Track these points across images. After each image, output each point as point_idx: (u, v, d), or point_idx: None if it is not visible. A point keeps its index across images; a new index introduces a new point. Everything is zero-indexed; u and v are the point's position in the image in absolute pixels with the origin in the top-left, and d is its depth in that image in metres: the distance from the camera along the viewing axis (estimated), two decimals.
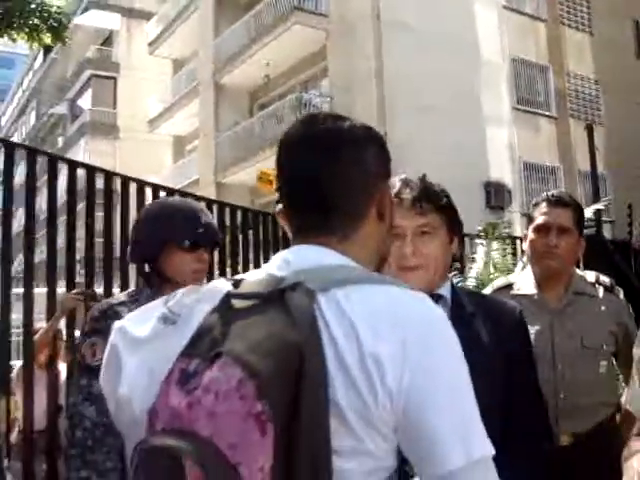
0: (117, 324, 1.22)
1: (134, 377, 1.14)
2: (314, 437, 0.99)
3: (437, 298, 2.03)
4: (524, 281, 2.93)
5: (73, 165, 4.72)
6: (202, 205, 2.67)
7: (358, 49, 17.46)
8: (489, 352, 1.95)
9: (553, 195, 2.86)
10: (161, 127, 26.08)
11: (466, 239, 6.78)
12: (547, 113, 20.04)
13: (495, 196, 17.57)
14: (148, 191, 5.03)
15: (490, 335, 2.00)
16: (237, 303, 1.11)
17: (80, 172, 4.67)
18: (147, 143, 27.25)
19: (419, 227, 2.00)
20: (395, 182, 2.03)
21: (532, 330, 2.67)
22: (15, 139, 41.54)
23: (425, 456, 1.07)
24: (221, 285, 1.19)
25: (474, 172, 16.99)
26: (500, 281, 3.10)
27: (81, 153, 28.97)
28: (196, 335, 1.07)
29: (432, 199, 2.04)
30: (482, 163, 17.70)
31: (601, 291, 2.88)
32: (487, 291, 2.99)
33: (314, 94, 18.77)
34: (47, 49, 33.16)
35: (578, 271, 2.98)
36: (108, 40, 32.60)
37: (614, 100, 19.88)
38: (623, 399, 1.99)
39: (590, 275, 2.96)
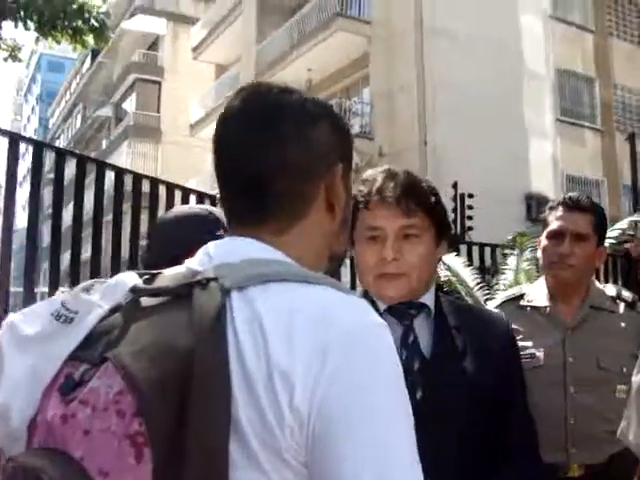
0: (8, 319, 1.03)
1: (16, 382, 0.95)
2: (206, 468, 0.83)
3: (419, 308, 1.84)
4: (536, 292, 2.66)
5: (101, 166, 4.62)
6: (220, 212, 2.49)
7: (400, 56, 17.34)
8: (474, 366, 1.78)
9: (570, 198, 2.59)
10: (203, 131, 26.17)
11: (498, 250, 6.61)
12: (592, 125, 19.71)
13: (536, 208, 17.23)
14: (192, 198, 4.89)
15: (476, 348, 1.79)
16: (145, 300, 0.96)
17: (110, 174, 4.57)
18: (189, 147, 27.36)
19: (403, 229, 1.77)
20: (377, 174, 1.83)
21: (541, 347, 2.49)
22: (61, 142, 42.21)
23: None
24: (128, 279, 1.02)
25: (515, 183, 16.74)
26: (511, 291, 2.86)
27: (124, 156, 29.24)
28: (90, 336, 0.93)
29: (420, 197, 1.79)
30: (524, 174, 17.43)
31: (622, 307, 2.59)
32: (496, 302, 2.78)
33: (355, 100, 18.65)
34: (95, 54, 33.69)
35: (597, 284, 2.72)
36: (154, 45, 32.91)
37: None
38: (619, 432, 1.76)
39: (610, 289, 2.69)
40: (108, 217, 4.44)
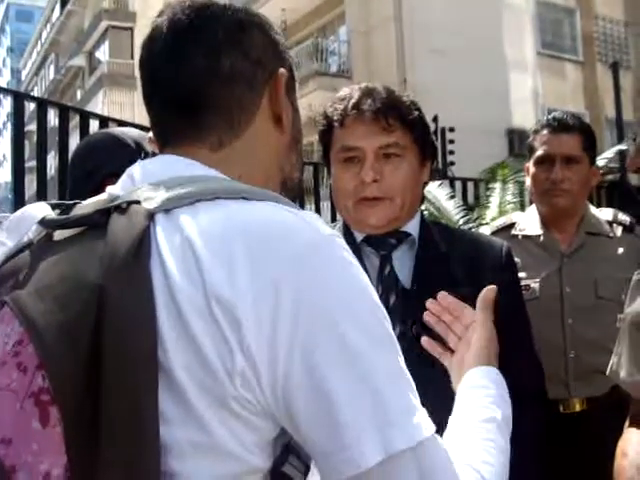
0: None
1: None
2: (128, 428, 0.68)
3: (402, 237, 1.68)
4: (528, 220, 2.51)
5: (86, 116, 4.49)
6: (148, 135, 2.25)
7: None
8: (465, 295, 1.63)
9: (555, 118, 2.41)
10: None
11: (481, 184, 6.49)
12: (573, 58, 19.57)
13: (519, 143, 17.12)
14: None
15: (468, 276, 1.62)
16: (59, 234, 0.82)
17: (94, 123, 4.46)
18: None
19: (383, 148, 1.62)
20: (353, 91, 1.66)
21: (537, 278, 2.36)
22: (35, 94, 41.49)
23: (325, 451, 0.75)
24: (36, 211, 0.87)
25: (497, 119, 16.62)
26: (500, 221, 2.69)
27: (100, 105, 28.80)
28: None
29: (401, 111, 1.62)
30: (505, 109, 17.31)
31: (619, 231, 2.45)
32: (485, 232, 2.61)
33: (332, 39, 18.35)
34: (64, 1, 32.92)
35: (592, 208, 2.55)
36: None
37: None
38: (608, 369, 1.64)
39: (607, 213, 2.54)
40: None
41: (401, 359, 0.81)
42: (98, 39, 32.27)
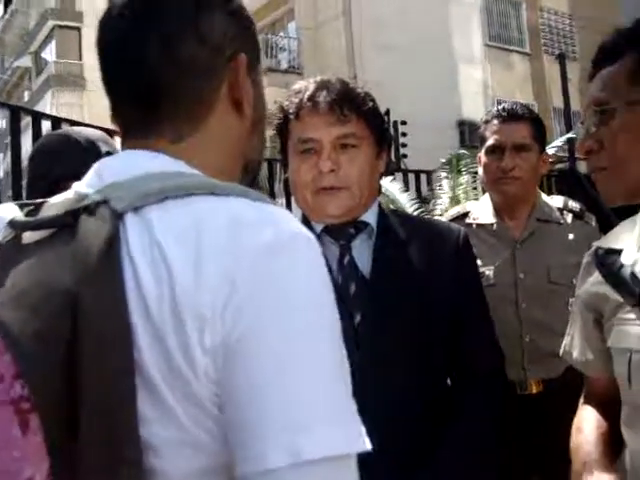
0: None
1: None
2: (109, 430, 0.69)
3: (360, 227, 1.71)
4: (481, 209, 2.56)
5: (37, 116, 4.37)
6: (103, 134, 2.22)
7: None
8: (425, 281, 1.66)
9: (504, 108, 2.47)
10: None
11: (434, 176, 6.56)
12: (520, 49, 19.79)
13: (469, 134, 17.29)
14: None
15: (427, 262, 1.68)
16: (27, 236, 0.80)
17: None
18: None
19: (339, 138, 1.64)
20: (308, 84, 1.69)
21: (491, 265, 2.41)
22: None
23: (238, 445, 0.73)
24: (4, 212, 0.86)
25: (447, 111, 16.76)
26: (454, 210, 2.75)
27: (48, 106, 28.31)
28: None
29: (355, 102, 1.65)
30: (455, 102, 17.45)
31: (570, 218, 2.52)
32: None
33: (281, 35, 18.32)
34: (7, 0, 32.27)
35: (544, 196, 2.61)
36: None
37: (588, 34, 19.51)
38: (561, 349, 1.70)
39: (557, 200, 2.60)
40: None
41: (346, 379, 0.77)
42: (44, 39, 31.70)
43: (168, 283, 0.74)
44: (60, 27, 30.38)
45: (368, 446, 0.74)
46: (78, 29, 30.31)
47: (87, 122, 6.00)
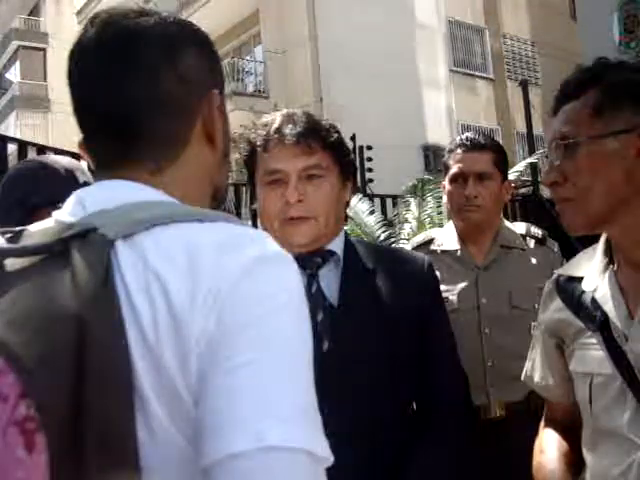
0: None
1: None
2: (110, 451, 0.71)
3: (327, 256, 1.74)
4: (446, 236, 2.62)
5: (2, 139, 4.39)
6: (80, 164, 2.22)
7: (290, 13, 17.10)
8: (391, 308, 1.68)
9: (467, 138, 2.54)
10: None
11: (399, 200, 6.61)
12: (484, 75, 20.02)
13: (434, 159, 17.44)
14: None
15: (393, 290, 1.71)
16: (11, 263, 0.80)
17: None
18: None
19: (305, 170, 1.68)
20: (275, 117, 1.73)
21: (455, 290, 2.45)
22: None
23: (208, 440, 0.74)
24: None
25: (412, 136, 16.87)
26: (420, 237, 2.80)
27: (12, 128, 28.08)
28: None
29: (320, 134, 1.69)
30: (420, 126, 17.59)
31: (532, 243, 2.58)
32: (406, 248, 2.69)
33: (248, 59, 18.39)
34: None
35: (507, 222, 2.68)
36: (35, 10, 31.52)
37: (550, 61, 19.88)
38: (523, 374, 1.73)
39: (520, 227, 2.66)
40: None
41: (314, 394, 0.80)
42: (8, 59, 31.52)
43: (165, 305, 0.76)
44: (24, 48, 30.21)
45: (331, 458, 0.76)
46: (43, 50, 30.18)
47: (51, 144, 5.96)
